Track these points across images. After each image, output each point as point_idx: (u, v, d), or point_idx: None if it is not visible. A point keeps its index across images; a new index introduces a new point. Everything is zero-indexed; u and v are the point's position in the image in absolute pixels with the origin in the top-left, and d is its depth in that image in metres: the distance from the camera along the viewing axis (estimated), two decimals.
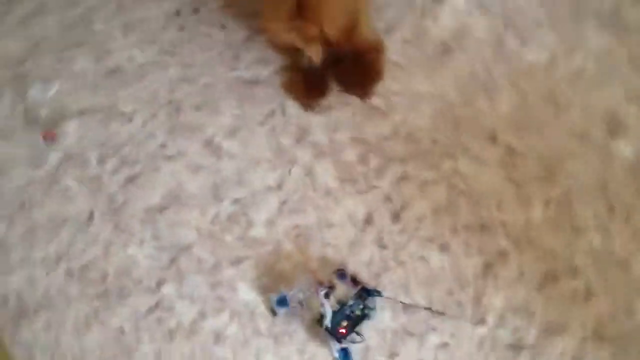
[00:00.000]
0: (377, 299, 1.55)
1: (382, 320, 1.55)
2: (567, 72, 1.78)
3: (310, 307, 1.55)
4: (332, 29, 1.66)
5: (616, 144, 1.66)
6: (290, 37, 1.67)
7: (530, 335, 1.51)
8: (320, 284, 1.55)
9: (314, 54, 1.73)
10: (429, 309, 1.54)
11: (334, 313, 1.51)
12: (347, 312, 1.52)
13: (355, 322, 1.52)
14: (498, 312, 1.54)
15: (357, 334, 1.50)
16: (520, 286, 1.55)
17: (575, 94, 1.74)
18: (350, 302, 1.53)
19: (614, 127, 1.68)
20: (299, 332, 1.57)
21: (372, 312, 1.52)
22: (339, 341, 1.49)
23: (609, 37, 1.80)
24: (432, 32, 1.94)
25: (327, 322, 1.49)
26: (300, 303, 1.55)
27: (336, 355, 1.50)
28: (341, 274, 1.59)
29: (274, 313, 1.58)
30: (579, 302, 1.51)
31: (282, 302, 1.56)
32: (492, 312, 1.54)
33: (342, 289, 1.56)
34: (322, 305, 1.51)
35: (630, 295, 1.50)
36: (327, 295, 1.52)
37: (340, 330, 1.49)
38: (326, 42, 1.70)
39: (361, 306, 1.53)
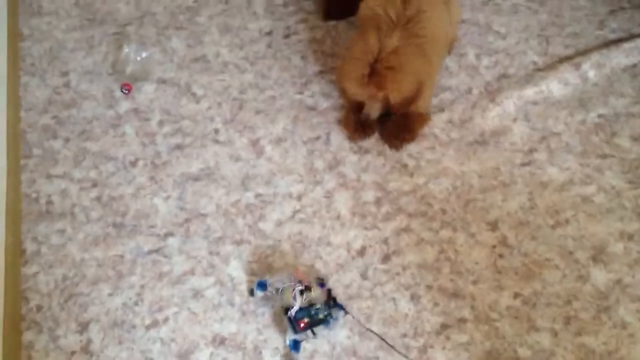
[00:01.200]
0: (342, 314, 1.76)
1: (337, 333, 1.76)
2: (577, 196, 2.01)
3: (283, 297, 1.76)
4: (397, 98, 1.97)
5: (594, 271, 1.86)
6: (358, 94, 1.97)
7: None
8: (300, 282, 1.78)
9: (373, 112, 2.03)
10: (383, 339, 1.74)
11: (301, 308, 1.72)
12: (312, 312, 1.73)
13: (315, 322, 1.72)
14: None
15: (312, 332, 1.71)
16: (464, 354, 1.74)
17: (577, 217, 1.97)
18: (318, 306, 1.74)
19: (599, 255, 1.89)
20: (265, 316, 1.79)
21: (333, 321, 1.73)
22: (295, 332, 1.70)
23: (624, 180, 2.03)
24: (476, 122, 2.20)
25: (292, 312, 1.71)
26: (277, 290, 1.77)
27: (288, 343, 1.71)
28: (321, 283, 1.81)
29: (252, 293, 1.80)
30: None
31: (262, 285, 1.78)
32: None
33: (317, 294, 1.77)
34: (294, 297, 1.73)
35: None
36: (301, 292, 1.74)
37: (300, 324, 1.70)
38: (386, 105, 1.99)
39: (326, 312, 1.74)
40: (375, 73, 1.91)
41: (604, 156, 2.11)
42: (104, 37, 2.52)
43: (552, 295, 1.82)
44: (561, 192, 2.03)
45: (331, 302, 1.76)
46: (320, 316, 1.73)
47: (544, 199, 2.01)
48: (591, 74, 2.31)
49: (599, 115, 2.21)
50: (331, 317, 1.73)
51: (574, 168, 2.08)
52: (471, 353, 1.73)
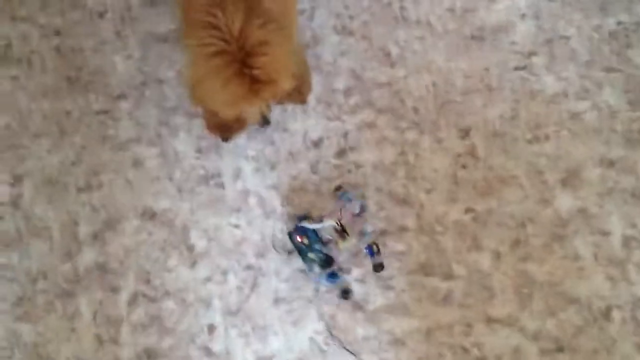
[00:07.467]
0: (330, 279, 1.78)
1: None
2: (566, 111, 1.97)
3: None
4: (288, 83, 1.56)
5: (560, 195, 1.87)
6: (241, 106, 1.56)
7: (371, 304, 1.78)
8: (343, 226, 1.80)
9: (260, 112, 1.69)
10: (350, 352, 1.74)
11: (316, 232, 1.79)
12: (316, 246, 1.78)
13: (301, 252, 1.78)
14: (360, 275, 1.80)
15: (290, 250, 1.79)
16: (396, 263, 1.80)
17: (559, 134, 1.94)
18: (324, 250, 1.78)
19: (570, 179, 1.88)
20: (202, 196, 1.88)
21: (309, 272, 1.77)
22: (290, 236, 1.79)
23: (624, 100, 1.98)
24: (479, 14, 2.14)
25: (305, 224, 1.79)
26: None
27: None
28: (376, 259, 1.80)
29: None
30: (434, 302, 1.76)
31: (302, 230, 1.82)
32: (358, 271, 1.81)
33: (347, 245, 1.79)
34: (322, 220, 1.80)
35: (477, 318, 1.74)
36: (335, 230, 1.79)
37: (298, 237, 1.78)
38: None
39: (314, 260, 1.77)
40: (256, 80, 1.47)
41: (609, 69, 2.05)
42: None
43: (506, 215, 1.85)
44: (549, 104, 2.00)
45: (331, 266, 1.77)
46: (310, 256, 1.76)
47: (528, 110, 1.99)
48: None
49: (618, 23, 2.13)
50: (310, 268, 1.76)
51: (572, 79, 2.03)
52: (403, 263, 1.79)
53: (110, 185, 1.88)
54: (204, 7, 1.50)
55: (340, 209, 1.82)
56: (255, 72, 1.46)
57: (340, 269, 1.78)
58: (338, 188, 1.87)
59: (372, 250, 1.79)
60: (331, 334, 1.72)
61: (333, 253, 1.77)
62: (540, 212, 1.85)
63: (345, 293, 1.75)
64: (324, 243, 1.78)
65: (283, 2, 1.61)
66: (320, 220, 1.80)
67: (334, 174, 1.91)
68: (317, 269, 1.75)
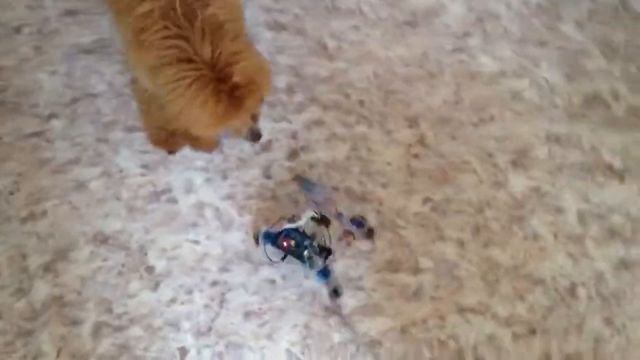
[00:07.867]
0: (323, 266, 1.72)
1: (232, 236, 1.79)
2: (507, 90, 2.00)
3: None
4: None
5: (512, 176, 1.89)
6: (232, 122, 1.53)
7: (344, 307, 1.76)
8: (322, 213, 1.73)
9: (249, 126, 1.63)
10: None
11: (298, 231, 1.70)
12: (305, 243, 1.69)
13: (294, 253, 1.70)
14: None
15: (283, 257, 1.72)
16: (364, 263, 1.78)
17: (504, 114, 1.96)
18: (315, 244, 1.70)
19: (520, 159, 1.91)
20: (155, 214, 1.80)
21: (308, 269, 1.71)
22: (272, 243, 1.71)
23: (560, 74, 2.02)
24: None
25: (286, 226, 1.71)
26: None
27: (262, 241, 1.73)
28: (359, 220, 1.78)
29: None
30: (405, 298, 1.76)
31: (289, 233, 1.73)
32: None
33: (331, 231, 1.72)
34: (299, 217, 1.71)
35: (449, 309, 1.75)
36: (313, 219, 1.71)
37: (284, 242, 1.70)
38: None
39: (311, 256, 1.69)
40: (234, 97, 1.44)
41: (543, 44, 2.08)
42: None
43: (464, 202, 1.85)
44: (490, 85, 2.02)
45: (325, 253, 1.70)
46: (305, 253, 1.69)
47: (470, 93, 2.00)
48: None
49: None
50: (311, 264, 1.69)
51: (508, 57, 2.06)
52: (370, 262, 1.77)
53: (54, 212, 1.78)
54: (163, 42, 1.44)
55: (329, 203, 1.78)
56: (236, 79, 1.42)
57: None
58: (296, 178, 1.82)
59: (359, 222, 1.77)
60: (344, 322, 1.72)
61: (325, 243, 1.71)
62: (496, 195, 1.87)
63: (336, 292, 1.72)
64: (310, 237, 1.70)
65: (232, 10, 1.56)
66: (295, 217, 1.74)
67: (287, 177, 1.86)
68: (319, 261, 1.68)
